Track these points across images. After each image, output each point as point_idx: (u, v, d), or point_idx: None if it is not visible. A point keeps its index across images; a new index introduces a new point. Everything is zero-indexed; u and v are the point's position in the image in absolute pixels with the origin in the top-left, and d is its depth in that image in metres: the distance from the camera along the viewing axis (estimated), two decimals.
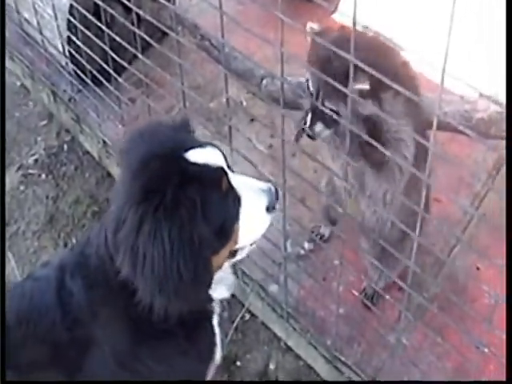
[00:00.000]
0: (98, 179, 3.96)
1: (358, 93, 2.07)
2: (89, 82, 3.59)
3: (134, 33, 2.76)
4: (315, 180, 2.74)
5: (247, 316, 3.22)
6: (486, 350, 1.99)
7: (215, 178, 1.80)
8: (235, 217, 1.85)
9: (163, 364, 2.05)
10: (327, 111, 2.21)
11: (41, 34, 3.87)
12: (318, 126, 2.31)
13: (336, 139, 2.34)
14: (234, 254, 1.96)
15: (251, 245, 2.02)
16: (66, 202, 3.87)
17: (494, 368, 2.58)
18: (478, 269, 2.92)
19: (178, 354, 2.09)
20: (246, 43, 2.52)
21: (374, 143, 1.90)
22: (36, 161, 4.12)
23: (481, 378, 2.52)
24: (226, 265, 1.99)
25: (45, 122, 4.32)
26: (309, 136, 2.38)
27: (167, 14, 3.28)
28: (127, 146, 1.89)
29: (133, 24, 2.75)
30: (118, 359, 2.03)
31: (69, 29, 3.61)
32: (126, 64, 3.09)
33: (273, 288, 3.08)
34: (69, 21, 3.57)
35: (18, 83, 4.58)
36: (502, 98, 1.77)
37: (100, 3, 2.98)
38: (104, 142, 3.82)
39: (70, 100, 4.03)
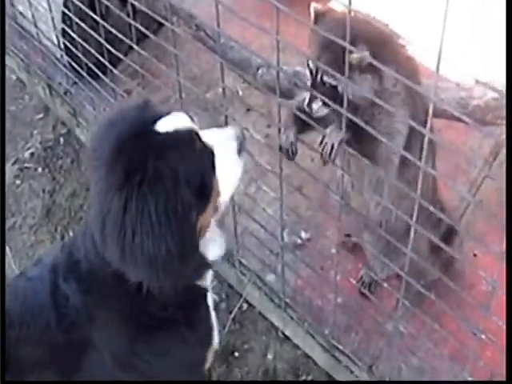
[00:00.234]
0: None
1: (358, 68, 2.09)
2: (84, 74, 3.59)
3: (130, 24, 2.76)
4: (312, 168, 2.74)
5: (245, 306, 3.23)
6: (483, 336, 1.99)
7: (188, 140, 1.83)
8: (213, 170, 1.87)
9: (163, 356, 2.07)
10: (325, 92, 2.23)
11: (35, 26, 3.86)
12: (316, 104, 2.28)
13: (333, 120, 2.33)
14: (217, 208, 1.94)
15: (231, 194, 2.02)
16: (63, 196, 3.87)
17: (491, 354, 2.59)
18: (475, 255, 2.93)
19: (177, 343, 2.10)
20: (242, 33, 2.51)
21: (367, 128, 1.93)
22: (32, 154, 4.11)
23: (478, 365, 2.54)
24: (213, 222, 1.98)
25: (41, 116, 4.31)
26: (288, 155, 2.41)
27: (162, 5, 3.28)
28: (94, 140, 1.89)
29: (128, 15, 2.74)
30: (118, 359, 2.05)
31: (63, 21, 3.60)
32: (121, 56, 3.09)
33: (270, 278, 3.08)
34: (63, 13, 3.56)
35: (14, 77, 4.57)
36: (498, 84, 1.78)
37: None
38: None
39: (65, 93, 4.03)
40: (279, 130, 2.34)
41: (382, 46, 1.79)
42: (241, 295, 3.22)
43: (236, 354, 3.12)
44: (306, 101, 2.30)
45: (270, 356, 3.08)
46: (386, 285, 2.53)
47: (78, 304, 1.97)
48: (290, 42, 2.02)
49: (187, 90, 2.74)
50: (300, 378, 3.01)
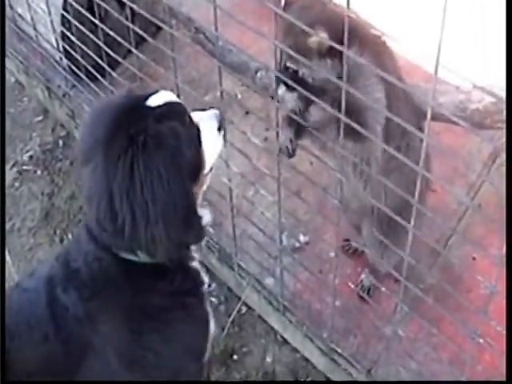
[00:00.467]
0: None
1: (317, 53, 2.14)
2: (83, 77, 3.58)
3: (128, 27, 2.76)
4: (310, 172, 2.74)
5: (244, 309, 3.23)
6: (481, 340, 1.99)
7: (181, 110, 1.96)
8: (199, 143, 1.99)
9: (169, 344, 2.10)
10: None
11: (35, 29, 3.86)
12: (281, 89, 2.31)
13: (301, 107, 2.35)
14: (203, 180, 2.05)
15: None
16: (62, 198, 3.87)
17: (489, 358, 2.59)
18: (473, 259, 2.92)
19: (180, 329, 2.12)
20: (240, 36, 2.52)
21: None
22: (31, 157, 4.12)
23: (476, 369, 2.53)
24: (200, 194, 2.07)
25: (40, 118, 4.31)
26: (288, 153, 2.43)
27: (161, 8, 3.28)
28: (86, 126, 1.95)
29: (127, 19, 2.75)
30: (125, 357, 2.05)
31: (63, 24, 3.61)
32: (120, 59, 3.09)
33: (269, 281, 3.08)
34: (63, 16, 3.56)
35: (13, 79, 4.57)
36: (496, 89, 1.77)
37: None
38: None
39: (64, 95, 4.03)
40: (277, 133, 2.34)
41: (343, 29, 1.81)
42: (240, 298, 3.22)
43: (235, 356, 3.12)
44: (273, 87, 2.36)
45: (268, 359, 3.08)
46: (383, 289, 2.53)
47: (79, 313, 1.97)
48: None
49: (185, 93, 2.74)
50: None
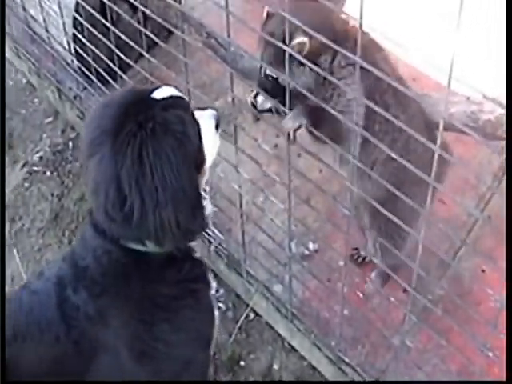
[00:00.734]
0: None
1: (297, 62, 2.21)
2: (94, 79, 3.59)
3: (140, 31, 2.75)
4: (320, 180, 2.73)
5: (251, 316, 3.21)
6: (490, 354, 1.97)
7: (185, 103, 2.02)
8: (200, 138, 2.00)
9: (178, 332, 2.13)
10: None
11: (47, 31, 3.86)
12: (260, 98, 2.45)
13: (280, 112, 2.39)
14: (204, 172, 2.10)
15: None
16: (71, 200, 3.87)
17: (498, 371, 2.56)
18: (483, 271, 2.91)
19: (187, 314, 2.14)
20: (252, 42, 2.51)
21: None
22: (41, 158, 4.11)
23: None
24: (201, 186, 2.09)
25: (50, 119, 4.31)
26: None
27: (173, 13, 3.28)
28: (92, 120, 1.95)
29: (139, 22, 2.74)
30: (136, 349, 2.08)
31: (75, 26, 3.61)
32: (131, 62, 3.08)
33: (277, 288, 3.08)
34: (75, 18, 3.57)
35: (24, 80, 4.57)
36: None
37: (106, 1, 2.97)
38: None
39: (75, 97, 4.03)
40: (288, 140, 2.33)
41: (326, 33, 1.84)
42: (247, 305, 3.21)
43: (242, 363, 3.10)
44: (253, 94, 2.47)
45: (275, 366, 3.07)
46: (392, 299, 2.52)
47: (90, 311, 1.99)
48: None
49: (196, 97, 2.73)
50: None
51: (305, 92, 2.07)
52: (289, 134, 2.34)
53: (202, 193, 2.08)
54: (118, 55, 3.11)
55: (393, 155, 1.84)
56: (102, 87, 3.54)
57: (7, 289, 3.45)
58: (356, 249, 3.09)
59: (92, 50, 3.43)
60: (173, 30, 2.62)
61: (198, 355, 2.28)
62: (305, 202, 2.57)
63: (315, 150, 2.46)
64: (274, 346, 3.13)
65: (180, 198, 1.82)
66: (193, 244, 2.16)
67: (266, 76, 2.41)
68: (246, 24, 2.13)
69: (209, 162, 2.07)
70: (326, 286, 2.88)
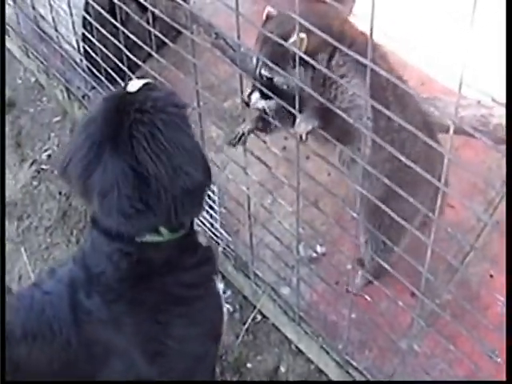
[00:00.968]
0: None
1: (292, 60, 2.20)
2: (103, 79, 3.58)
3: (149, 31, 2.75)
4: (329, 183, 2.72)
5: (258, 317, 3.20)
6: (498, 359, 1.96)
7: (154, 85, 2.05)
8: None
9: (191, 326, 2.16)
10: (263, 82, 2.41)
11: (56, 30, 3.86)
12: (254, 96, 2.43)
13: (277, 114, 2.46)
14: None
15: None
16: (79, 199, 3.86)
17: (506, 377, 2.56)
18: (491, 276, 2.89)
19: (200, 305, 2.17)
20: None
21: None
22: (49, 156, 4.12)
23: None
24: None
25: (58, 118, 4.31)
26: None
27: (182, 13, 3.27)
28: (75, 148, 1.94)
29: (148, 22, 2.73)
30: (147, 350, 2.10)
31: (84, 26, 3.61)
32: (140, 62, 3.07)
33: (285, 291, 3.07)
34: (84, 18, 3.56)
35: (33, 79, 4.57)
36: None
37: (115, 1, 2.96)
38: None
39: (83, 97, 4.03)
40: (298, 143, 2.32)
41: (323, 32, 1.84)
42: (255, 306, 3.20)
43: (248, 365, 3.10)
44: (247, 92, 2.45)
45: (282, 369, 3.06)
46: (400, 303, 2.50)
47: (103, 316, 2.01)
48: None
49: (205, 98, 2.73)
50: None
51: (310, 91, 2.06)
52: (301, 137, 2.33)
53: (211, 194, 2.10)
54: (126, 55, 3.11)
55: (400, 156, 1.83)
56: (111, 87, 3.53)
57: (14, 286, 3.46)
58: None
59: (101, 50, 3.43)
60: (182, 30, 2.61)
61: (209, 350, 2.31)
62: (313, 205, 2.56)
63: (324, 153, 2.45)
64: (280, 348, 3.12)
65: (196, 159, 1.90)
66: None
67: (261, 76, 2.42)
68: (256, 25, 2.13)
69: None
70: (333, 289, 2.88)
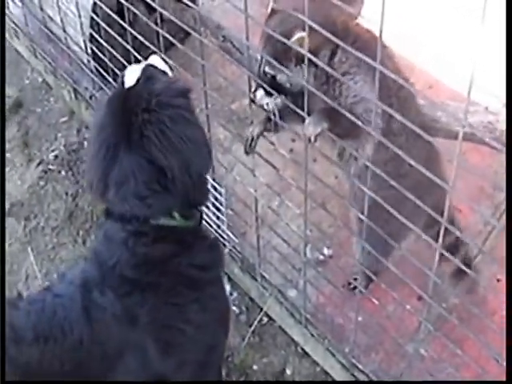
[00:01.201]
0: None
1: (295, 58, 2.29)
2: (110, 79, 3.58)
3: (157, 32, 2.75)
4: (336, 185, 2.72)
5: (265, 320, 3.20)
6: (504, 363, 1.95)
7: (150, 70, 2.13)
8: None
9: (204, 312, 2.19)
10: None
11: (64, 31, 3.86)
12: (259, 93, 2.43)
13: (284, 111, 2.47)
14: None
15: None
16: (86, 199, 3.87)
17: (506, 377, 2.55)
18: (498, 281, 2.88)
19: (210, 290, 2.23)
20: None
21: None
22: (56, 157, 4.12)
23: None
24: None
25: (65, 119, 4.32)
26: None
27: (190, 15, 3.27)
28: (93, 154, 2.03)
29: (156, 23, 2.73)
30: (163, 340, 2.12)
31: (91, 27, 3.61)
32: None
33: (292, 293, 3.07)
34: (92, 19, 3.56)
35: (40, 79, 4.58)
36: None
37: (123, 2, 2.96)
38: None
39: (91, 97, 4.03)
40: (306, 145, 2.31)
41: (327, 29, 1.84)
42: (261, 309, 3.20)
43: (254, 367, 3.10)
44: (253, 89, 2.46)
45: (288, 371, 3.06)
46: (408, 306, 2.50)
47: (117, 311, 2.03)
48: None
49: (213, 100, 2.73)
50: None
51: (314, 90, 2.06)
52: (309, 139, 2.33)
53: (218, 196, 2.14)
54: (134, 56, 3.10)
55: (409, 160, 1.82)
56: None
57: (21, 286, 3.46)
58: None
59: (108, 51, 3.43)
60: (190, 31, 2.61)
61: (219, 341, 2.37)
62: (320, 207, 2.56)
63: (331, 155, 2.45)
64: (287, 350, 3.12)
65: (202, 148, 2.04)
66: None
67: (265, 73, 2.43)
68: (264, 27, 2.14)
69: None
70: (340, 292, 2.87)
